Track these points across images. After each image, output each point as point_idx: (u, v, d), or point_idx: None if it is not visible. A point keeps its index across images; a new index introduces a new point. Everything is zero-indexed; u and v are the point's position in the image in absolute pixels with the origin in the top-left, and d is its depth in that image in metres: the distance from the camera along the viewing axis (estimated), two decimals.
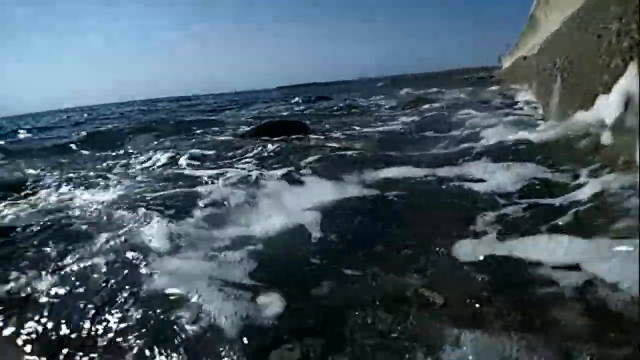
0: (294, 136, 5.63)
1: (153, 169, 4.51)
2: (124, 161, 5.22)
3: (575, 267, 1.27)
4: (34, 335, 1.33)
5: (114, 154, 6.11)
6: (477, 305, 1.20)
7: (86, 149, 7.33)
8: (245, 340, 1.18)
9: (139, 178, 3.78)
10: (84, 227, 2.27)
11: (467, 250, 1.56)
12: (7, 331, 1.37)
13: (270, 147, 4.72)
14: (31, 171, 5.17)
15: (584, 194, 1.82)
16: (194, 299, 1.41)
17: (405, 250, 1.66)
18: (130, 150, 6.11)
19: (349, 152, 3.85)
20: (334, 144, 4.64)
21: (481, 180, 2.44)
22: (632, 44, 1.88)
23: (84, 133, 9.58)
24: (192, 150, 5.14)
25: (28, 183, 3.93)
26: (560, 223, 1.62)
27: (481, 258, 1.49)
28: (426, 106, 8.36)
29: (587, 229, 1.48)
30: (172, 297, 1.45)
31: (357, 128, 6.02)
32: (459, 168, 2.77)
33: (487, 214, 1.88)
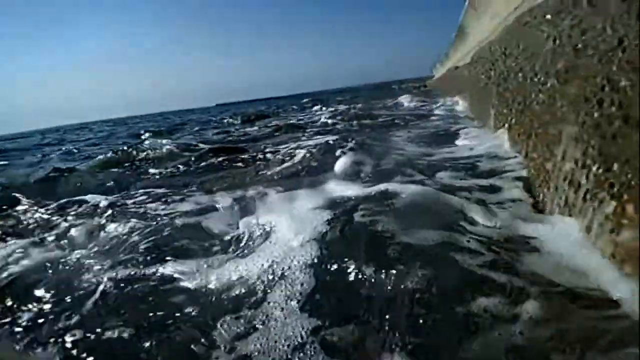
0: (237, 158, 5.41)
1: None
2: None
3: None
4: None
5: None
6: None
7: None
8: None
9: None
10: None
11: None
12: None
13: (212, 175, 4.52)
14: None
15: None
16: None
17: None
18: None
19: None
20: (277, 167, 4.52)
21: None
22: (568, 67, 1.89)
23: None
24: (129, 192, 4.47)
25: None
26: None
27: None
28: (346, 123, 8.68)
29: None
30: None
31: (292, 144, 6.02)
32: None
33: None
